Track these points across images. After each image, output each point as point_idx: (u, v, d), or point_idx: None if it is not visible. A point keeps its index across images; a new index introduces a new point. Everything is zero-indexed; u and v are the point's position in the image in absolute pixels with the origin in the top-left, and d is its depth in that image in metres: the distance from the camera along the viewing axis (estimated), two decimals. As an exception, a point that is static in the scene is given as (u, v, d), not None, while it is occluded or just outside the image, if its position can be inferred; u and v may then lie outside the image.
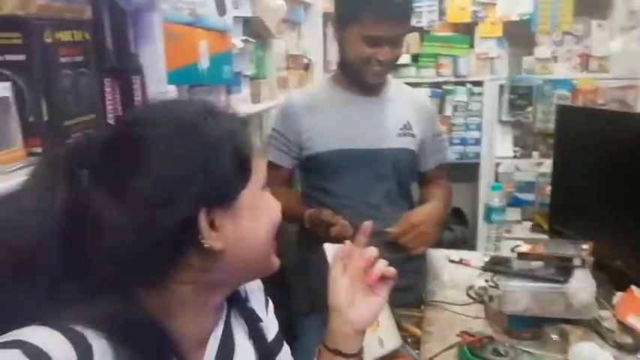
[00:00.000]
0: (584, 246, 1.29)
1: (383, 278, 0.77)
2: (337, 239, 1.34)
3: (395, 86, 1.53)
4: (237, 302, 0.75)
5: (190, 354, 0.64)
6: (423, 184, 1.63)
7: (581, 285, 1.17)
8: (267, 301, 0.84)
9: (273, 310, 0.85)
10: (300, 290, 1.54)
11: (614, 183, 1.44)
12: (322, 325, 1.46)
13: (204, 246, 0.59)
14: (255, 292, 0.81)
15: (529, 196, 3.12)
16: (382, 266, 0.77)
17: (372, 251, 0.78)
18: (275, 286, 0.87)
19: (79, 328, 0.52)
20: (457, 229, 3.15)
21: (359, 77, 1.42)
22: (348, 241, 0.81)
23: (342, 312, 0.76)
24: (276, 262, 0.69)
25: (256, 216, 0.65)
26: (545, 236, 2.97)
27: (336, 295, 0.77)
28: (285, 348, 0.83)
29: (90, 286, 0.55)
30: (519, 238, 2.60)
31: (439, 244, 2.97)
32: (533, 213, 3.15)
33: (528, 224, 3.16)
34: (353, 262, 0.78)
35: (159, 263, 0.58)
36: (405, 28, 1.41)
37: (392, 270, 0.77)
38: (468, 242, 3.16)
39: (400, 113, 1.48)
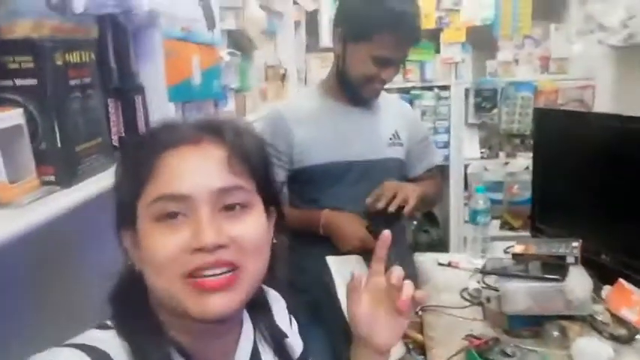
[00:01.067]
0: (575, 243, 1.33)
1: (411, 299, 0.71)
2: (351, 250, 1.33)
3: (381, 96, 1.54)
4: (263, 319, 0.74)
5: None
6: None
7: (578, 282, 1.22)
8: (290, 319, 0.83)
9: (297, 329, 0.84)
10: (298, 302, 1.52)
11: (594, 180, 1.50)
12: (323, 336, 1.45)
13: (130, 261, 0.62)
14: (278, 308, 0.80)
15: (497, 195, 3.21)
16: (411, 288, 0.70)
17: (399, 271, 0.72)
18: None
19: (103, 347, 0.55)
20: (432, 231, 3.20)
21: (357, 92, 1.42)
22: (357, 273, 0.75)
23: (365, 340, 0.74)
24: (201, 313, 0.56)
25: (142, 250, 0.58)
26: (513, 233, 3.08)
27: (356, 324, 0.74)
28: None
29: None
30: (490, 236, 2.68)
31: (417, 246, 3.04)
32: (501, 211, 3.25)
33: (497, 222, 3.25)
34: (373, 282, 0.74)
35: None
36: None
37: (422, 293, 0.73)
38: (442, 243, 3.23)
39: (389, 123, 1.49)
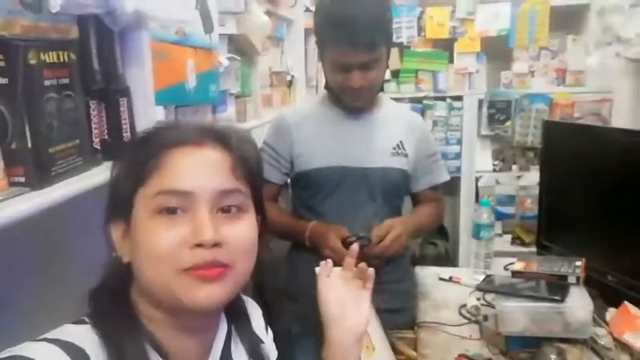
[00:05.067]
0: (578, 263, 1.28)
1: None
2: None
3: (388, 105, 1.52)
4: (239, 323, 0.75)
5: None
6: (415, 205, 1.61)
7: (579, 303, 1.17)
8: (266, 327, 0.84)
9: (272, 337, 0.85)
10: (289, 313, 1.50)
11: (603, 197, 1.44)
12: (313, 349, 1.42)
13: (116, 254, 0.64)
14: (255, 314, 0.81)
15: (509, 209, 3.14)
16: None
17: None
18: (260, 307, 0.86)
19: (78, 342, 0.55)
20: (440, 244, 3.14)
21: (340, 100, 1.41)
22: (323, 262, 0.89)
23: (338, 322, 0.82)
24: (193, 301, 0.59)
25: (137, 242, 0.60)
26: (524, 249, 3.00)
27: (327, 308, 0.83)
28: None
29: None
30: (500, 251, 2.61)
31: (423, 259, 2.98)
32: (513, 226, 3.17)
33: (508, 237, 3.18)
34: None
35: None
36: (375, 54, 1.31)
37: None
38: (450, 257, 3.16)
39: (393, 132, 1.46)
